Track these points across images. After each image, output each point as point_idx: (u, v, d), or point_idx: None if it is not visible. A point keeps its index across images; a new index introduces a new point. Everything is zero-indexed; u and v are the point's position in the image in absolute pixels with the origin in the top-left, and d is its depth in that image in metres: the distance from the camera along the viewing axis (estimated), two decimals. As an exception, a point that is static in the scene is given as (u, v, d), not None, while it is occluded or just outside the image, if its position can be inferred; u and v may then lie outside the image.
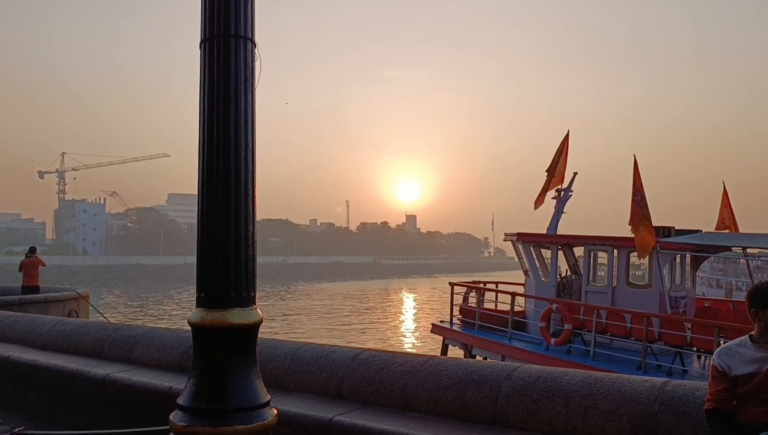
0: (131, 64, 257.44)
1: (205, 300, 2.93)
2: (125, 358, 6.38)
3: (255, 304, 2.99)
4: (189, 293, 74.31)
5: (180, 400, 2.93)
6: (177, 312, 50.86)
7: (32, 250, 17.74)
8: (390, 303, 63.66)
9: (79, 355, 6.87)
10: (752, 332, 2.99)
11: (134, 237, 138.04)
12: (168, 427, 2.97)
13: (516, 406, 3.84)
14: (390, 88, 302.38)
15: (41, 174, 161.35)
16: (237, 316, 2.87)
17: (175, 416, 2.90)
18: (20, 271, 16.86)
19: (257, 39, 3.09)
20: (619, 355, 12.57)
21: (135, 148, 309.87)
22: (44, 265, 17.38)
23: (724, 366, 2.96)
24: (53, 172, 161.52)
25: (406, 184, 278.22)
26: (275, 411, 2.97)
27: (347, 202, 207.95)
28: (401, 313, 54.81)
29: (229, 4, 2.94)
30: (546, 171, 17.08)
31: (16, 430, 3.63)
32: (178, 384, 5.26)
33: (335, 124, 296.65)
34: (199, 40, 3.03)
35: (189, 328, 2.94)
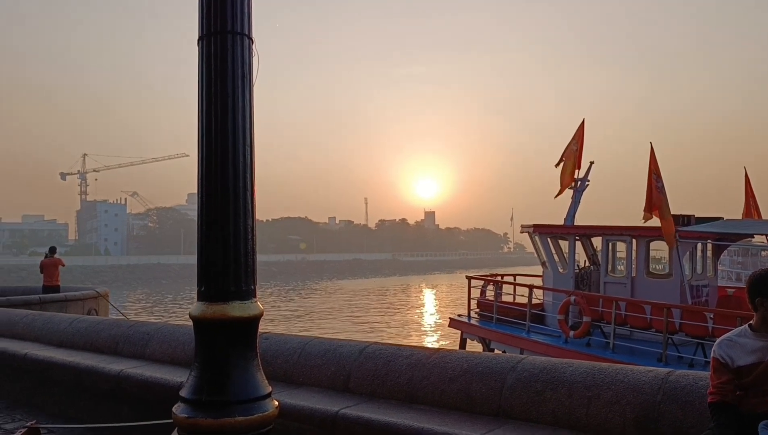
0: (149, 65, 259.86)
1: (205, 293, 2.97)
2: (139, 354, 6.46)
3: (255, 297, 3.02)
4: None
5: (182, 393, 2.98)
6: (198, 310, 51.18)
7: (52, 250, 17.99)
8: (409, 299, 63.72)
9: (95, 351, 6.97)
10: (751, 322, 2.95)
11: (155, 237, 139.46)
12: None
13: (520, 397, 3.84)
14: (407, 86, 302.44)
15: (63, 176, 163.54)
16: (237, 309, 2.90)
17: (177, 408, 2.95)
18: (41, 271, 17.12)
19: (254, 36, 3.12)
20: (640, 347, 12.46)
21: (154, 149, 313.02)
22: (63, 265, 17.62)
23: (726, 357, 2.91)
24: (75, 174, 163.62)
25: (425, 180, 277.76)
26: (276, 403, 3.00)
27: (366, 199, 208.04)
28: (420, 308, 54.83)
29: (226, 2, 2.96)
30: (559, 161, 16.92)
31: (28, 423, 3.70)
32: (178, 377, 5.32)
33: (354, 123, 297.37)
34: (197, 38, 3.07)
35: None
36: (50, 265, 17.14)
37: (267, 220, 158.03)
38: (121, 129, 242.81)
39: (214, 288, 2.93)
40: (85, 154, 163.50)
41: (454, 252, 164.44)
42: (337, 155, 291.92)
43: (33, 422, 3.72)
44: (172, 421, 3.04)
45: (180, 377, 5.47)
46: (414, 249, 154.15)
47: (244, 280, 2.96)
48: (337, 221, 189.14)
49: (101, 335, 7.11)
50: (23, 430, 3.64)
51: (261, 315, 3.01)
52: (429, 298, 65.38)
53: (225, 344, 2.92)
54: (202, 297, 2.97)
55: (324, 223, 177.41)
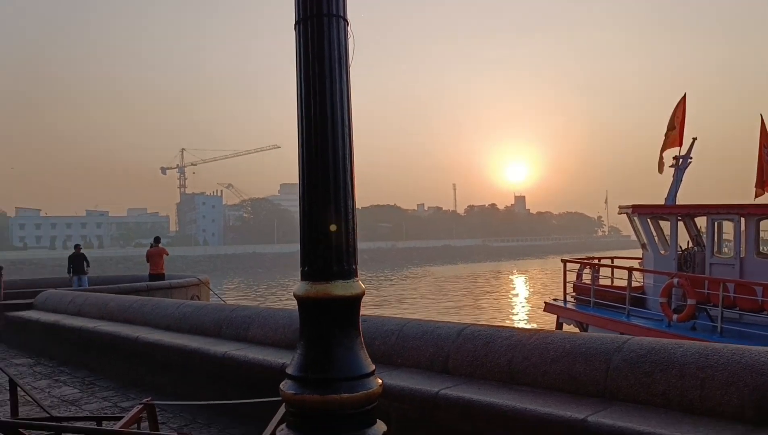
0: (242, 60, 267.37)
1: (309, 274, 3.02)
2: (241, 337, 6.69)
3: (356, 276, 3.05)
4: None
5: (289, 370, 3.05)
6: (290, 296, 52.65)
7: (157, 240, 18.92)
8: (501, 284, 63.00)
9: (200, 334, 7.27)
10: None
11: (250, 227, 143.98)
12: (279, 398, 3.11)
13: (627, 378, 3.71)
14: (492, 69, 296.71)
15: (164, 170, 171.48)
16: (340, 288, 2.94)
17: (285, 385, 3.03)
18: (147, 261, 18.06)
19: (349, 17, 3.14)
20: (750, 330, 11.83)
21: (248, 141, 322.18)
22: (167, 255, 18.49)
23: None
24: (174, 168, 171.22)
25: (514, 164, 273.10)
26: (380, 381, 3.03)
27: (454, 185, 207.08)
28: (513, 294, 54.11)
29: (321, -16, 2.98)
30: (667, 141, 16.25)
31: (144, 400, 3.90)
32: (290, 360, 5.48)
33: (440, 109, 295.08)
34: (293, 23, 3.12)
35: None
36: (155, 255, 18.04)
37: (357, 208, 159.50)
38: (216, 124, 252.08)
39: (317, 268, 2.98)
40: (183, 149, 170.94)
41: (546, 237, 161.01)
42: (424, 142, 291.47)
43: (148, 399, 3.91)
44: (278, 398, 3.13)
45: (280, 359, 5.63)
46: (504, 234, 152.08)
47: (345, 259, 2.99)
48: (425, 208, 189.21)
49: (205, 319, 7.40)
50: (139, 407, 3.83)
51: (363, 294, 3.04)
52: (521, 283, 64.43)
53: (329, 323, 2.97)
54: (305, 277, 3.03)
55: (413, 210, 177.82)
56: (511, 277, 73.25)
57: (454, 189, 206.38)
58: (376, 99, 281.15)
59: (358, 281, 3.04)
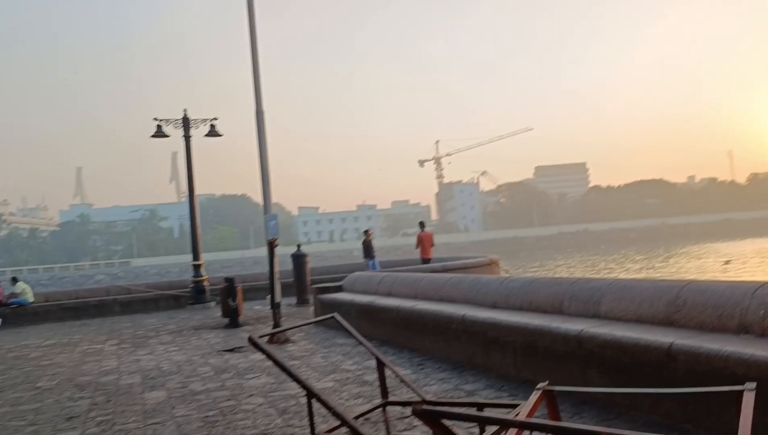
0: (487, 49, 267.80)
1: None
2: (591, 312, 5.82)
3: None
4: (572, 259, 74.07)
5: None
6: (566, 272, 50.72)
7: (422, 224, 18.94)
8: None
9: (535, 311, 6.56)
10: None
11: (507, 211, 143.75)
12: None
13: None
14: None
15: (421, 163, 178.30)
16: None
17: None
18: (417, 246, 18.04)
19: None
20: None
21: (499, 126, 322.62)
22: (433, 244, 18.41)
23: None
24: (431, 160, 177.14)
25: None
26: None
27: (730, 152, 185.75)
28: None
29: None
30: None
31: (540, 386, 3.21)
32: (670, 337, 4.49)
33: (716, 68, 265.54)
34: None
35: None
36: (426, 239, 17.94)
37: (619, 186, 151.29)
38: (467, 113, 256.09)
39: None
40: (437, 141, 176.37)
41: None
42: (694, 108, 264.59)
43: (545, 384, 3.23)
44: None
45: (665, 337, 4.65)
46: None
47: None
48: (697, 180, 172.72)
49: (539, 294, 6.68)
50: (538, 393, 3.15)
51: None
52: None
53: None
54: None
55: (682, 183, 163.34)
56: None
57: (730, 156, 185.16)
58: (640, 62, 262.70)
59: None
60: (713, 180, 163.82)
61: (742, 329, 4.41)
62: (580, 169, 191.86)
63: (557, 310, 6.28)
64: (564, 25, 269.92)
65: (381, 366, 4.21)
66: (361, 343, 4.38)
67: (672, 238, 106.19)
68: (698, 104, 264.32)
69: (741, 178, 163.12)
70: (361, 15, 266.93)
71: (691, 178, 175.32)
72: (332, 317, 4.54)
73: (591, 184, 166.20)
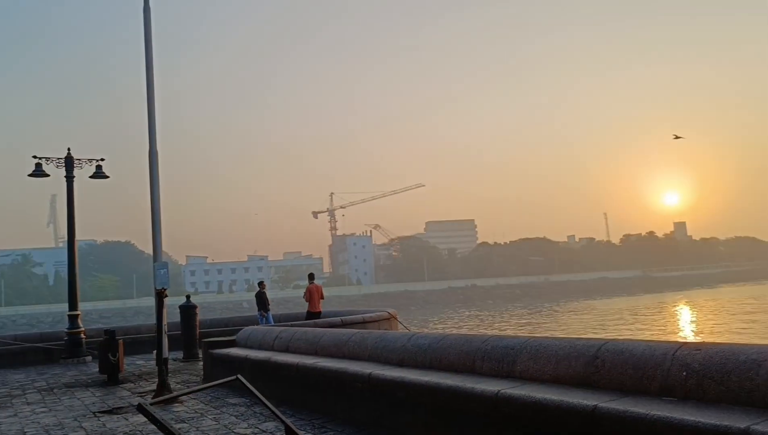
0: (381, 105, 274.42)
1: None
2: (506, 372, 5.60)
3: None
4: (455, 315, 75.34)
5: None
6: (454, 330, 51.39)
7: (311, 277, 18.59)
8: (670, 318, 57.96)
9: (446, 370, 6.28)
10: None
11: (399, 265, 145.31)
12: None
13: None
14: (635, 87, 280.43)
15: (315, 214, 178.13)
16: None
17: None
18: (306, 299, 17.63)
19: None
20: None
21: (392, 182, 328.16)
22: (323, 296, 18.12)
23: None
24: (325, 212, 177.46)
25: (669, 189, 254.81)
26: None
27: (605, 214, 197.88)
28: (689, 328, 49.42)
29: None
30: None
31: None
32: (592, 400, 4.32)
33: (584, 137, 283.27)
34: None
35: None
36: (316, 291, 17.59)
37: (505, 243, 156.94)
38: (361, 167, 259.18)
39: None
40: (332, 193, 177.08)
41: (714, 265, 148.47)
42: (572, 172, 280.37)
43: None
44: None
45: (576, 398, 4.47)
46: (665, 264, 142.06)
47: None
48: (576, 239, 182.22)
49: (450, 352, 6.41)
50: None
51: None
52: (693, 316, 58.79)
53: None
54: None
55: (563, 242, 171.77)
56: (680, 310, 67.22)
57: (605, 218, 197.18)
58: (526, 130, 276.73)
59: None
60: (591, 240, 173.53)
61: (665, 391, 4.30)
62: (469, 225, 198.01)
63: (469, 370, 6.03)
64: (454, 79, 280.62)
65: (290, 432, 3.77)
66: (267, 407, 3.92)
67: (554, 294, 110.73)
68: (574, 166, 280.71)
69: (615, 239, 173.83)
70: (262, 64, 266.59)
71: (571, 237, 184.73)
72: (236, 379, 4.04)
73: (479, 241, 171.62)
